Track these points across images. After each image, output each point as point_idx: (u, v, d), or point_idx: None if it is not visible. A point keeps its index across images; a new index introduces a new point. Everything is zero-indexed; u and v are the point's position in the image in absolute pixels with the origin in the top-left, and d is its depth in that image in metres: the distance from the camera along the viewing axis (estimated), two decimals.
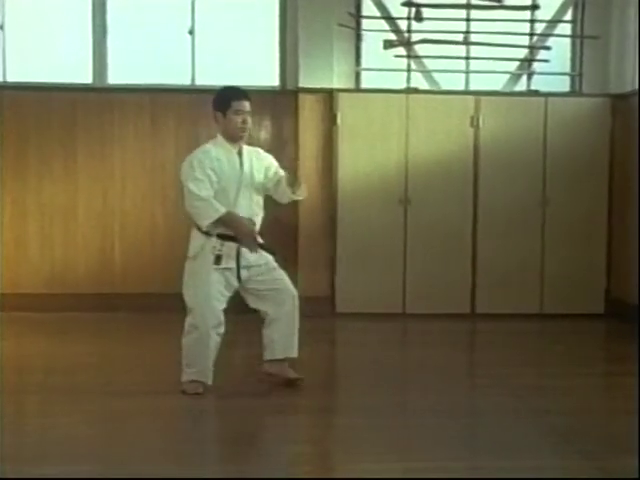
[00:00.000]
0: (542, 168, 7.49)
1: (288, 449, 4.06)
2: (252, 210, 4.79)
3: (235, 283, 4.72)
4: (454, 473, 3.66)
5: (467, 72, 7.87)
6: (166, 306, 7.35)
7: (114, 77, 7.60)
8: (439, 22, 7.64)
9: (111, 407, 4.56)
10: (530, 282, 7.49)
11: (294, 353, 4.88)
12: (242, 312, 4.86)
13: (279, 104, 7.64)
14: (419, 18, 7.67)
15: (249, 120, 4.79)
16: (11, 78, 7.52)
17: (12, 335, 6.49)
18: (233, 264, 4.67)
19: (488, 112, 7.47)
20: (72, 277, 7.46)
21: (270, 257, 4.83)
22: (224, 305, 4.71)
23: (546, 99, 7.53)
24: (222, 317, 4.68)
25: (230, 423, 4.42)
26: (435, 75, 7.86)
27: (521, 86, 7.93)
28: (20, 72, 7.51)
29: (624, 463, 3.81)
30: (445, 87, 7.83)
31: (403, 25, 7.74)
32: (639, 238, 6.79)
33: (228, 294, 4.74)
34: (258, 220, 4.83)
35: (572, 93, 7.88)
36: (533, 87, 7.87)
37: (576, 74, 7.91)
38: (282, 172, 4.93)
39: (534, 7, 7.80)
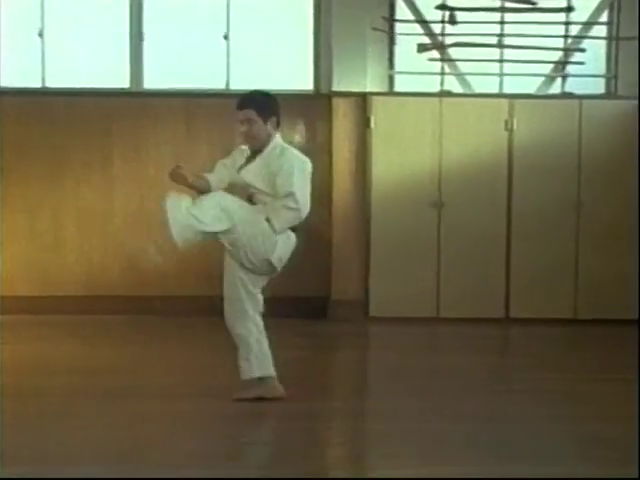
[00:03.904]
0: (576, 171, 7.46)
1: (318, 453, 4.09)
2: None
3: None
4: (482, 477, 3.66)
5: (501, 75, 7.87)
6: (200, 309, 7.46)
7: (150, 82, 7.73)
8: (473, 25, 7.66)
9: (141, 409, 4.59)
10: (564, 287, 7.46)
11: None
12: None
13: (313, 108, 7.71)
14: (453, 21, 7.69)
15: (247, 127, 4.67)
16: (50, 84, 7.68)
17: (47, 337, 6.63)
18: None
19: (522, 115, 7.46)
20: (108, 280, 7.57)
21: None
22: None
23: (580, 101, 7.49)
24: None
25: (261, 426, 4.45)
26: (469, 78, 7.87)
27: (555, 89, 7.91)
28: (58, 78, 7.66)
29: None
30: (479, 90, 7.83)
31: (437, 28, 7.77)
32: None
33: None
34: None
35: (607, 95, 7.83)
36: (567, 89, 7.85)
37: (611, 76, 7.87)
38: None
39: (569, 9, 7.79)
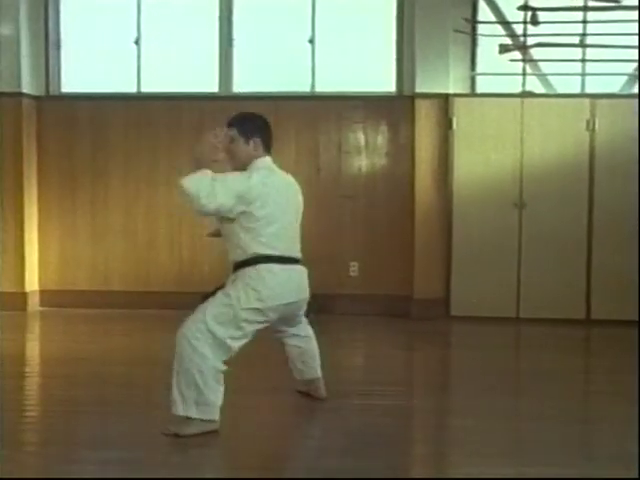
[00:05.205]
0: None
1: (401, 449, 4.19)
2: None
3: None
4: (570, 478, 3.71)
5: (583, 75, 7.86)
6: None
7: (238, 86, 8.00)
8: (555, 25, 7.67)
9: (232, 403, 4.72)
10: None
11: None
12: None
13: (395, 109, 7.85)
14: (535, 22, 7.72)
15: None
16: (145, 89, 8.03)
17: (140, 329, 6.98)
18: None
19: (604, 115, 7.47)
20: (197, 277, 7.86)
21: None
22: None
23: None
24: None
25: (344, 421, 4.54)
26: (550, 78, 7.89)
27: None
28: (152, 83, 8.02)
29: None
30: (560, 90, 7.85)
31: (519, 29, 7.81)
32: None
33: None
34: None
35: None
36: None
37: None
38: None
39: None
